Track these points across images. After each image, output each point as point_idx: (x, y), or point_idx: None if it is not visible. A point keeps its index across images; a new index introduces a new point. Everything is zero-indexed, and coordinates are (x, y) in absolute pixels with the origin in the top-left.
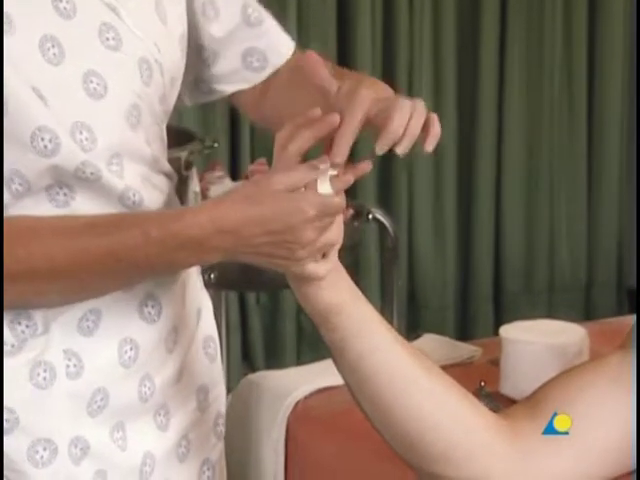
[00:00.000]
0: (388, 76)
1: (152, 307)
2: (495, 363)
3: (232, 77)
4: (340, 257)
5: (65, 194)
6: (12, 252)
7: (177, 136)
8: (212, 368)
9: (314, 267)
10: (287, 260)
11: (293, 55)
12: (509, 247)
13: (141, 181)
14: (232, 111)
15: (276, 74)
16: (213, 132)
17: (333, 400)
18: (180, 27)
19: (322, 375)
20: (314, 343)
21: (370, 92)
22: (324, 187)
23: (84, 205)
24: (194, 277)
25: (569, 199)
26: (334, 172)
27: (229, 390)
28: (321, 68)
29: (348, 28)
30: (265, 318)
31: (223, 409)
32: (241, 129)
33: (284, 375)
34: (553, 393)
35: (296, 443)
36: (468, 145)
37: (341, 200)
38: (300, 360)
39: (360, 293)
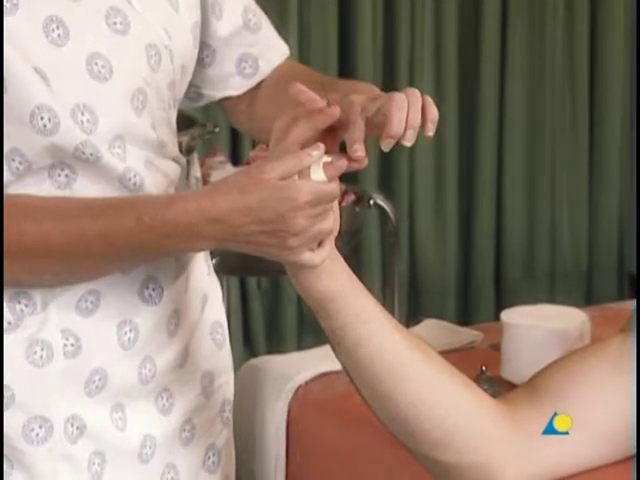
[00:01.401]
0: (389, 74)
1: (153, 290)
2: (496, 348)
3: (224, 82)
4: (341, 242)
5: (67, 175)
6: (6, 229)
7: (178, 121)
8: (219, 355)
9: (310, 255)
10: (280, 249)
11: (284, 62)
12: (510, 232)
13: (144, 165)
14: None
15: (263, 83)
16: (214, 117)
17: (334, 385)
18: (194, 15)
19: (323, 360)
20: (315, 328)
21: (358, 96)
22: (317, 174)
23: (85, 186)
24: (200, 262)
25: (570, 184)
26: (328, 159)
27: None
28: (304, 95)
29: (349, 26)
30: (266, 303)
31: (230, 396)
32: None
33: (285, 360)
34: (553, 377)
35: (298, 427)
36: (469, 130)
37: (335, 187)
38: (301, 345)
39: (357, 280)
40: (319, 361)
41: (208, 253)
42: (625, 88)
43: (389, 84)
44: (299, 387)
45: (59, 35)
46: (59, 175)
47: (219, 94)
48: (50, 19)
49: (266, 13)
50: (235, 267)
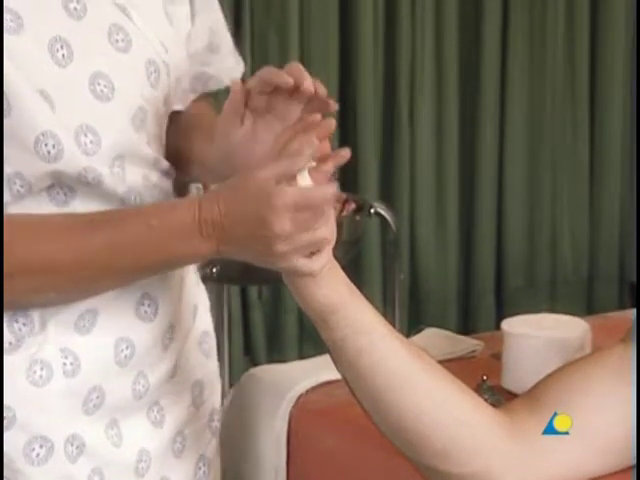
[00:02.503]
0: (390, 73)
1: (148, 306)
2: (497, 357)
3: (181, 96)
4: (342, 251)
5: (65, 194)
6: (12, 250)
7: None
8: (207, 363)
9: (305, 262)
10: (267, 255)
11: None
12: (511, 241)
13: (142, 181)
14: None
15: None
16: None
17: (335, 394)
18: (187, 26)
19: (324, 369)
20: (316, 337)
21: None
22: (304, 180)
23: (84, 203)
24: (191, 274)
25: (571, 193)
26: (312, 164)
27: (231, 384)
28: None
29: (350, 27)
30: (267, 312)
31: (218, 405)
32: None
33: (286, 369)
34: (553, 387)
35: (298, 437)
36: (470, 139)
37: (323, 192)
38: (302, 354)
39: (357, 291)
40: (320, 370)
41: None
42: (626, 96)
43: (390, 85)
44: (300, 396)
45: (63, 55)
46: (58, 193)
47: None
48: (55, 39)
49: (267, 16)
50: (236, 276)
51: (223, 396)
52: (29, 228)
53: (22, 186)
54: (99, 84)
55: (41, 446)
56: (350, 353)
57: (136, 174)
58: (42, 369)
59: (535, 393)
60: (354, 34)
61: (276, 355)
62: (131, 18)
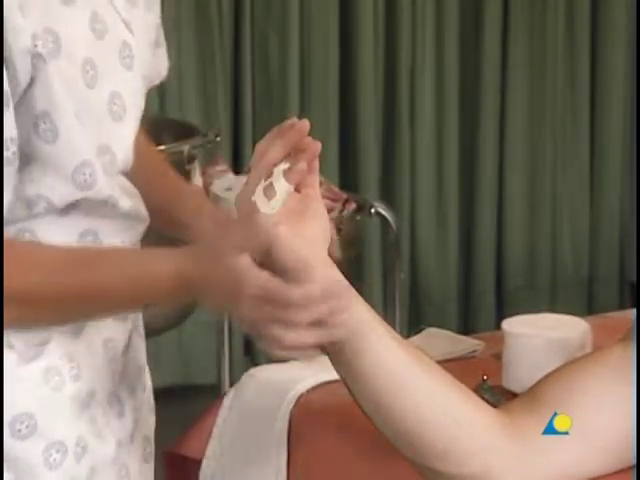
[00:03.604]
0: (390, 73)
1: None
2: (498, 357)
3: None
4: (342, 251)
5: (68, 205)
6: (20, 279)
7: (179, 130)
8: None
9: (278, 332)
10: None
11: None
12: (511, 241)
13: (120, 190)
14: (234, 105)
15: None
16: (215, 126)
17: (336, 394)
18: (154, 36)
19: (325, 369)
20: None
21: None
22: (280, 184)
23: (84, 215)
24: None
25: (571, 193)
26: (286, 165)
27: (231, 384)
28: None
29: (350, 27)
30: None
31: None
32: (243, 123)
33: (286, 369)
34: (553, 386)
35: (299, 437)
36: (470, 140)
37: (289, 292)
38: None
39: (356, 293)
40: (320, 370)
41: None
42: (627, 96)
43: (390, 85)
44: (300, 396)
45: (92, 77)
46: (67, 213)
47: None
48: (86, 60)
49: (267, 16)
50: None
51: (223, 396)
52: (39, 259)
53: (46, 208)
54: (115, 104)
55: (57, 451)
56: (349, 356)
57: (119, 185)
58: (56, 375)
59: (535, 393)
60: (354, 34)
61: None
62: (133, 34)
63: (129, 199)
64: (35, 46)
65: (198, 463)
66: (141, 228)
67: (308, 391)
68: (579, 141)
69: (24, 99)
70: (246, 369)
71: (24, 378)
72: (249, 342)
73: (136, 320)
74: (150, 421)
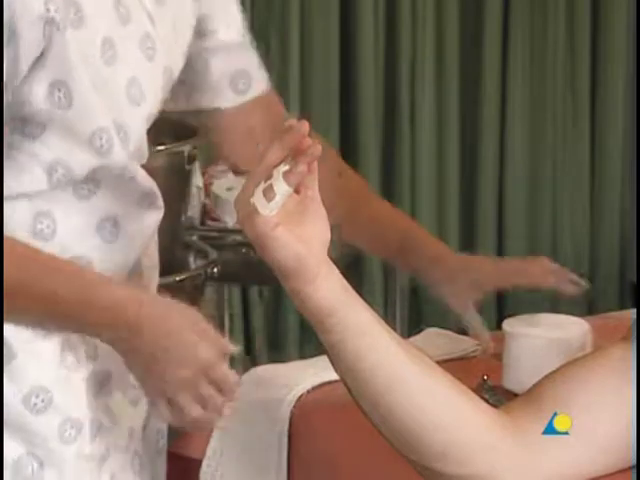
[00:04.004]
0: (390, 73)
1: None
2: (498, 357)
3: (216, 93)
4: (343, 251)
5: (89, 190)
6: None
7: (180, 130)
8: None
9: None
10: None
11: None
12: (512, 241)
13: (137, 165)
14: None
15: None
16: None
17: (336, 394)
18: (188, 35)
19: (325, 369)
20: (317, 337)
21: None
22: (279, 186)
23: (104, 201)
24: None
25: (572, 192)
26: (285, 167)
27: None
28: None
29: (351, 27)
30: (268, 312)
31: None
32: None
33: (287, 369)
34: (554, 386)
35: (299, 437)
36: (471, 139)
37: (234, 380)
38: (303, 354)
39: (354, 292)
40: (321, 370)
41: None
42: (627, 96)
43: (390, 84)
44: (301, 396)
45: (110, 56)
46: (82, 188)
47: (210, 104)
48: (105, 39)
49: (268, 15)
50: (236, 275)
51: None
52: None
53: (64, 175)
54: (133, 89)
55: (72, 426)
56: (349, 356)
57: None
58: (72, 355)
59: (535, 393)
60: (354, 34)
61: (277, 355)
62: (156, 27)
63: (147, 180)
64: (47, 10)
65: (198, 463)
66: (157, 217)
67: (309, 391)
68: (580, 141)
69: (37, 67)
70: (246, 369)
71: (39, 353)
72: (250, 342)
73: None
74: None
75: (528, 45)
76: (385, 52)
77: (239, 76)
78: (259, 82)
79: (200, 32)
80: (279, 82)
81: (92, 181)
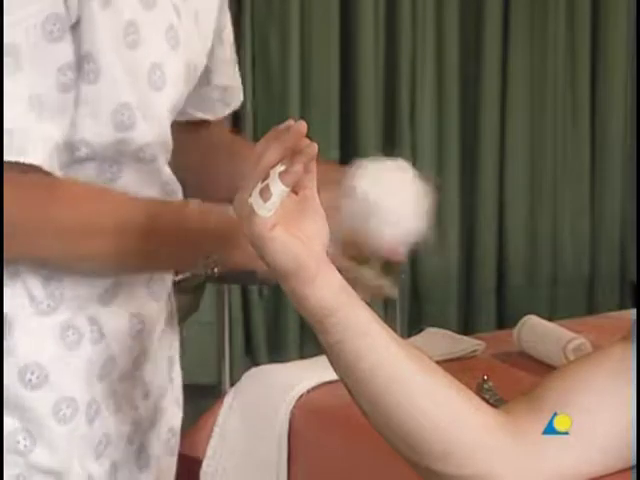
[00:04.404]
0: (391, 73)
1: (157, 285)
2: (498, 357)
3: (209, 104)
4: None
5: (113, 172)
6: (80, 209)
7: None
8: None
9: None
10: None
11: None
12: (512, 241)
13: (158, 147)
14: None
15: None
16: None
17: (336, 393)
18: (209, 42)
19: (325, 368)
20: (317, 337)
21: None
22: (276, 186)
23: (127, 187)
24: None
25: (572, 193)
26: (282, 167)
27: (232, 384)
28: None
29: (351, 26)
30: (268, 312)
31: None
32: (244, 122)
33: (287, 369)
34: (554, 386)
35: (299, 436)
36: (471, 139)
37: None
38: (303, 354)
39: (354, 293)
40: (321, 370)
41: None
42: (627, 95)
43: (391, 84)
44: (301, 396)
45: (133, 40)
46: (105, 172)
47: (201, 115)
48: (129, 23)
49: (268, 14)
50: (236, 275)
51: (224, 395)
52: (95, 190)
53: (86, 153)
54: (155, 74)
55: (68, 406)
56: (348, 356)
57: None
58: (74, 334)
59: (536, 392)
60: (355, 33)
61: (277, 355)
62: (181, 20)
63: (168, 168)
64: None
65: (199, 462)
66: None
67: (308, 391)
68: (580, 141)
69: (73, 38)
70: (247, 369)
71: (38, 330)
72: (250, 342)
73: (171, 312)
74: (177, 414)
75: (528, 46)
76: (385, 52)
77: (229, 90)
78: (238, 98)
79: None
80: (279, 82)
81: (115, 164)
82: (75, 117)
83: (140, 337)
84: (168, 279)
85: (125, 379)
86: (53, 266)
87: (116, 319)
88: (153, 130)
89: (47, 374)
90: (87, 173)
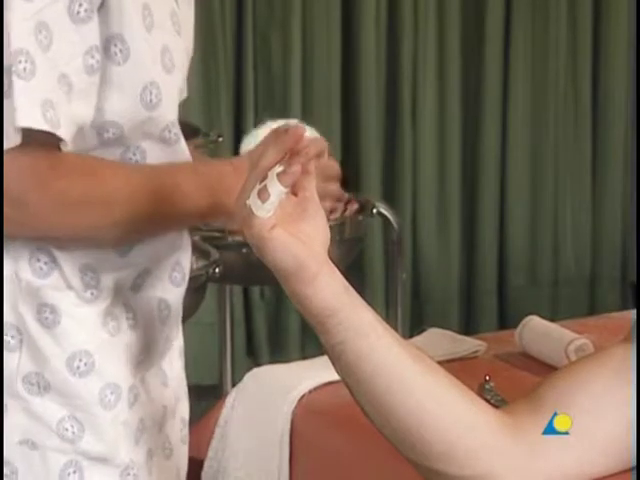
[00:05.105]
0: (392, 73)
1: (178, 272)
2: (500, 357)
3: None
4: (344, 251)
5: (137, 161)
6: (108, 180)
7: (182, 130)
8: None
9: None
10: None
11: None
12: (513, 241)
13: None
14: (236, 105)
15: None
16: (217, 126)
17: (338, 394)
18: (191, 35)
19: (327, 369)
20: (318, 337)
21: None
22: (273, 186)
23: None
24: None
25: (573, 193)
26: (280, 168)
27: (233, 384)
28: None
29: (352, 26)
30: (269, 312)
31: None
32: (245, 123)
33: (289, 369)
34: (555, 387)
35: (301, 437)
36: (472, 139)
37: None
38: (304, 354)
39: (355, 293)
40: (322, 370)
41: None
42: (629, 96)
43: (392, 84)
44: (302, 396)
45: (149, 22)
46: (130, 159)
47: None
48: (144, 6)
49: (270, 13)
50: (238, 277)
51: (225, 396)
52: (107, 165)
53: (114, 134)
54: (166, 56)
55: (112, 392)
56: (350, 357)
57: None
58: (113, 320)
59: (537, 393)
60: (356, 34)
61: (279, 355)
62: (180, 8)
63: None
64: None
65: (200, 463)
66: None
67: (310, 391)
68: (581, 141)
69: (100, 20)
70: (248, 369)
71: (83, 318)
72: (251, 342)
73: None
74: (187, 406)
75: (530, 45)
76: (386, 54)
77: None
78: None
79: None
80: (281, 82)
81: (140, 145)
82: (102, 99)
83: (169, 323)
84: (186, 266)
85: (152, 366)
86: (64, 241)
87: (146, 305)
88: (174, 110)
89: (94, 361)
90: (112, 155)
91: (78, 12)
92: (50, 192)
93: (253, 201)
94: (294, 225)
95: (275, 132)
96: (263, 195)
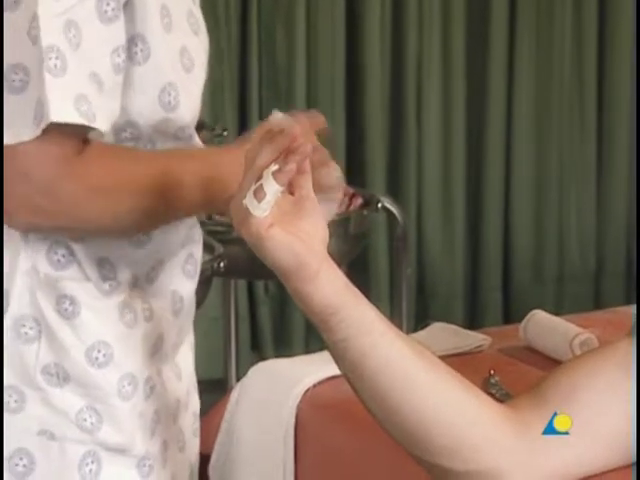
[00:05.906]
0: (397, 68)
1: (191, 265)
2: (505, 352)
3: None
4: (349, 246)
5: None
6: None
7: None
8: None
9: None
10: None
11: None
12: (518, 236)
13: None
14: (241, 99)
15: None
16: (222, 120)
17: (342, 388)
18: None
19: (331, 363)
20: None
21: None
22: (269, 185)
23: None
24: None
25: (578, 188)
26: (275, 167)
27: (238, 379)
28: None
29: (357, 22)
30: (274, 307)
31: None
32: (250, 117)
33: (293, 363)
34: (559, 381)
35: (305, 431)
36: (477, 135)
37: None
38: (309, 348)
39: (357, 290)
40: (327, 364)
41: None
42: (633, 91)
43: (397, 80)
44: (307, 390)
45: (167, 23)
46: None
47: None
48: (163, 7)
49: (274, 10)
50: (242, 271)
51: (230, 390)
52: (129, 153)
53: (131, 134)
54: (184, 56)
55: (129, 383)
56: (353, 354)
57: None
58: (130, 312)
59: (541, 388)
60: (361, 28)
61: (283, 349)
62: (197, 7)
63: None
64: None
65: (206, 457)
66: None
67: (315, 385)
68: (586, 138)
69: (124, 18)
70: (253, 364)
71: (102, 309)
72: (256, 337)
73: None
74: (196, 398)
75: (535, 44)
76: (392, 47)
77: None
78: None
79: None
80: (286, 76)
81: (152, 142)
82: (125, 98)
83: (182, 316)
84: (199, 259)
85: (167, 358)
86: (90, 231)
87: (161, 297)
88: (192, 111)
89: (112, 352)
90: None
91: (106, 11)
92: (83, 179)
93: (249, 201)
94: (292, 223)
95: (270, 132)
96: (259, 194)
